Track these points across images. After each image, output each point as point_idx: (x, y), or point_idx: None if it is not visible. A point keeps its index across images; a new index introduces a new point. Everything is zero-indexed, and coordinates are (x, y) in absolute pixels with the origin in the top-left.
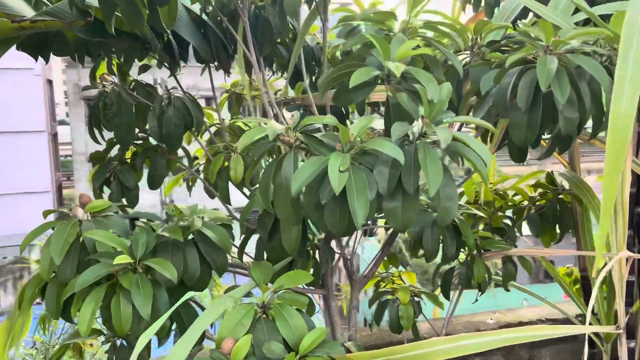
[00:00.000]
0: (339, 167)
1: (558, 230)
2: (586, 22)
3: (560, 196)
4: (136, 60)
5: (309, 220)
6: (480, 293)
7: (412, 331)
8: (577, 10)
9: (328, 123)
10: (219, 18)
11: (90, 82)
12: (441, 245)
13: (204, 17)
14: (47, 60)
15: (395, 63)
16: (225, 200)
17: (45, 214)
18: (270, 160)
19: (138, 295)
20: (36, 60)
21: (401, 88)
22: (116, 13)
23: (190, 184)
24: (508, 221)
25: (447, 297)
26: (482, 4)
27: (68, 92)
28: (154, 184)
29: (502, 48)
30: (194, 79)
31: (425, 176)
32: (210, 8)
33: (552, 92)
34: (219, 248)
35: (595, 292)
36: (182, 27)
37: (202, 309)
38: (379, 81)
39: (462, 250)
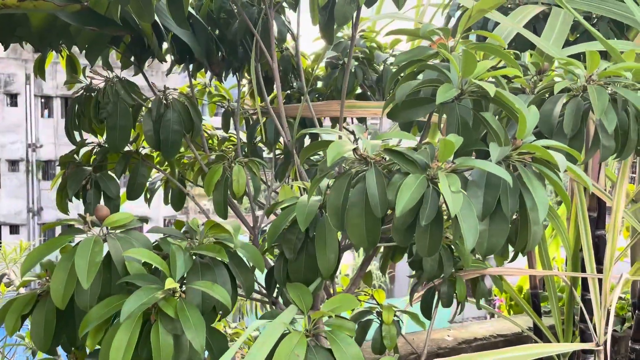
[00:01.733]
0: (451, 187)
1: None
2: (577, 55)
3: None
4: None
5: None
6: (459, 310)
7: (393, 351)
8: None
9: (408, 139)
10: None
11: (38, 75)
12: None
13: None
14: (7, 46)
15: (483, 82)
16: (223, 215)
17: (45, 227)
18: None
19: (188, 324)
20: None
21: (465, 108)
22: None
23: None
24: None
25: (428, 316)
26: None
27: None
28: (133, 193)
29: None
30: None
31: (526, 200)
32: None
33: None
34: (248, 269)
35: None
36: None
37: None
38: (451, 100)
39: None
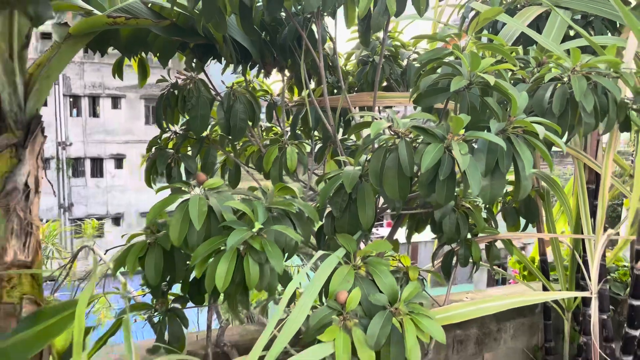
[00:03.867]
0: (461, 151)
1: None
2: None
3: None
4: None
5: None
6: (475, 269)
7: None
8: (563, 39)
9: (430, 119)
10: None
11: (116, 74)
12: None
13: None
14: (103, 54)
15: (486, 74)
16: None
17: (161, 189)
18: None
19: (271, 254)
20: (95, 53)
21: (474, 95)
22: None
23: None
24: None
25: (448, 274)
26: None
27: None
28: (206, 170)
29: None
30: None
31: (518, 161)
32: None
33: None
34: (305, 221)
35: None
36: (236, 32)
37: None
38: (463, 88)
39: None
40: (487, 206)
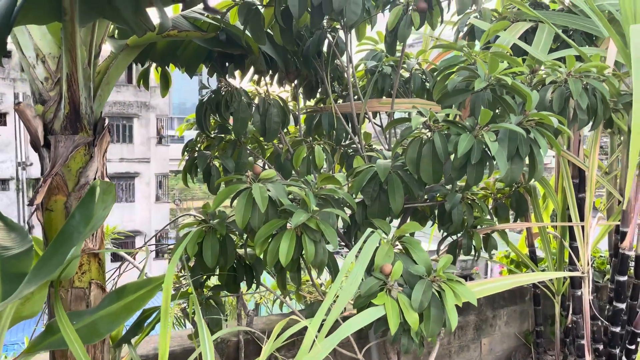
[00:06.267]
0: (490, 139)
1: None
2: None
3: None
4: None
5: None
6: (476, 258)
7: None
8: (550, 51)
9: (453, 114)
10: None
11: (142, 85)
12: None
13: None
14: (143, 64)
15: (504, 76)
16: None
17: (220, 181)
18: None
19: (326, 232)
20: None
21: (489, 94)
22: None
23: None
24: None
25: (453, 262)
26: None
27: None
28: (240, 168)
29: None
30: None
31: (534, 147)
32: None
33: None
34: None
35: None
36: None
37: None
38: (482, 89)
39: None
40: (483, 201)
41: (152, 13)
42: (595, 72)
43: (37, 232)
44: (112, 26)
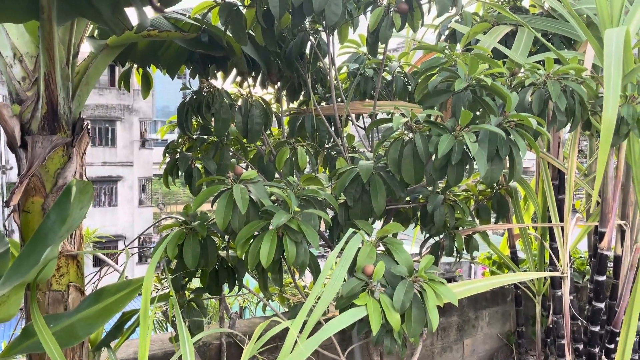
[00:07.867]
0: (470, 140)
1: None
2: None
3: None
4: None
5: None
6: (458, 259)
7: None
8: (529, 54)
9: (436, 114)
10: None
11: (123, 86)
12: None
13: None
14: (123, 65)
15: (484, 77)
16: None
17: (201, 182)
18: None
19: (307, 233)
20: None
21: (469, 95)
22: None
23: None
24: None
25: (436, 263)
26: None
27: None
28: (221, 170)
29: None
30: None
31: (513, 148)
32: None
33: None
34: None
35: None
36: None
37: None
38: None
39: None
40: (465, 202)
41: (133, 13)
42: (574, 74)
43: (17, 237)
44: (92, 26)
